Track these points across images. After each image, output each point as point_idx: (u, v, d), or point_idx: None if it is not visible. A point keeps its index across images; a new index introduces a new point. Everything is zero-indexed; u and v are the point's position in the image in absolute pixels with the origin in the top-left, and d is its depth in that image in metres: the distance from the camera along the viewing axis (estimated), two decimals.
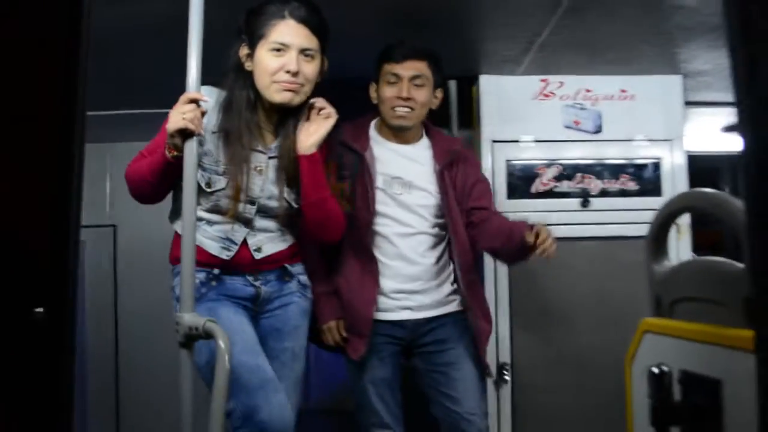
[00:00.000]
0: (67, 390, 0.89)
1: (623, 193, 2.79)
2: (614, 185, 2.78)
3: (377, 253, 2.14)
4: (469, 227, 2.20)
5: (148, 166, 1.74)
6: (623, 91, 2.75)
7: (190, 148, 1.67)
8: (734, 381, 1.05)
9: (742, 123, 0.84)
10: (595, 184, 2.79)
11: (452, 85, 2.76)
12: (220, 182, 1.82)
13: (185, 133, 1.64)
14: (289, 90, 1.83)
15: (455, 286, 2.21)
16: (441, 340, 2.18)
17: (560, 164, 2.79)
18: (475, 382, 2.18)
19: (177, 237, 1.86)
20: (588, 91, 2.76)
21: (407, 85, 2.13)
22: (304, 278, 2.00)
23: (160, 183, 1.76)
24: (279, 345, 1.93)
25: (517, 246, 1.96)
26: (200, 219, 1.84)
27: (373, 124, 2.24)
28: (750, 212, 0.82)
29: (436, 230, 2.19)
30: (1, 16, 0.98)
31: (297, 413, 1.95)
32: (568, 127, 2.75)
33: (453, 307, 2.20)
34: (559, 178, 2.78)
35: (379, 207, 2.15)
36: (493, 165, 2.76)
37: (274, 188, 1.86)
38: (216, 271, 1.86)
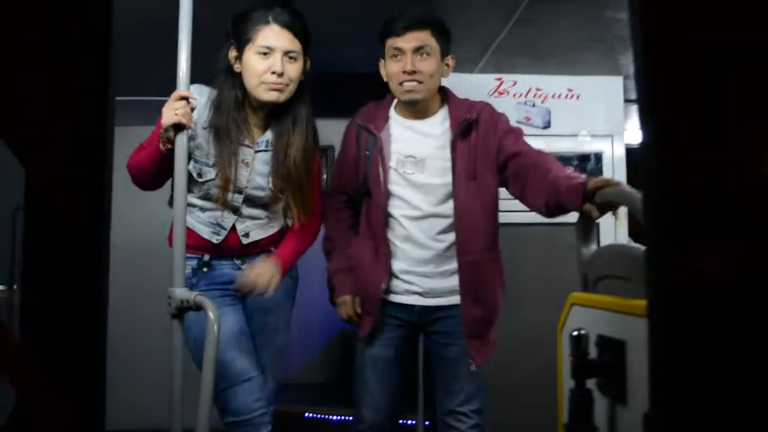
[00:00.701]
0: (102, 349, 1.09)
1: None
2: None
3: (389, 235, 2.10)
4: (510, 184, 2.05)
5: (146, 157, 1.91)
6: (570, 90, 3.03)
7: (181, 140, 1.84)
8: (635, 342, 1.30)
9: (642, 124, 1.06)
10: None
11: None
12: (210, 173, 1.98)
13: (177, 127, 1.81)
14: (276, 89, 1.98)
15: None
16: (448, 332, 2.12)
17: None
18: (475, 381, 2.10)
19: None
20: (538, 89, 3.03)
21: (411, 58, 2.04)
22: None
23: (157, 172, 1.92)
24: (262, 319, 2.10)
25: (566, 208, 1.83)
26: (193, 205, 2.01)
27: (393, 102, 2.17)
28: (646, 203, 1.05)
29: (447, 212, 2.08)
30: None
31: (278, 383, 2.16)
32: (519, 122, 3.01)
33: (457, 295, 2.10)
34: None
35: (392, 188, 2.09)
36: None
37: (260, 179, 2.03)
38: (206, 257, 2.03)
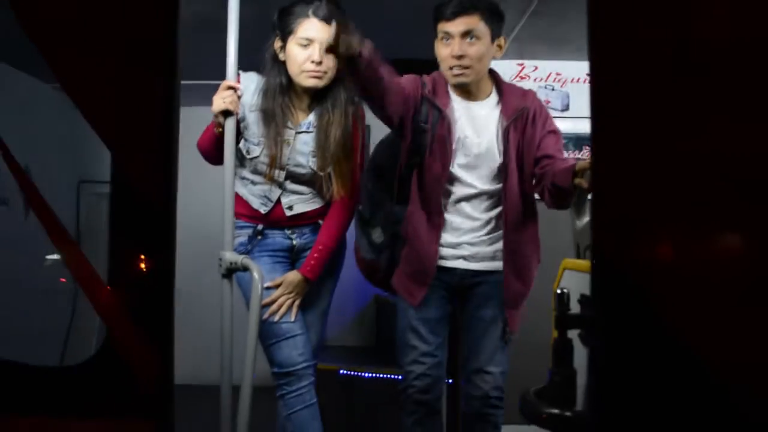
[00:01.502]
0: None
1: None
2: (578, 155, 3.26)
3: (443, 208, 2.15)
4: (536, 179, 2.15)
5: (207, 138, 2.17)
6: (588, 75, 3.19)
7: (230, 124, 2.12)
8: None
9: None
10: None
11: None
12: (256, 151, 2.21)
13: (226, 113, 2.07)
14: (315, 77, 2.15)
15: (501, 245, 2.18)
16: (483, 295, 2.20)
17: None
18: (499, 344, 2.17)
19: (236, 197, 2.21)
20: (558, 74, 3.21)
21: (459, 42, 2.06)
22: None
23: (215, 150, 2.14)
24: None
25: (560, 186, 1.98)
26: (246, 179, 2.26)
27: None
28: (594, 197, 1.27)
29: (496, 189, 2.16)
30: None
31: (321, 342, 2.38)
32: None
33: (500, 265, 2.18)
34: None
35: (458, 162, 2.13)
36: None
37: (300, 158, 2.22)
38: (260, 227, 2.24)
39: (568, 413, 1.35)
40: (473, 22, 2.05)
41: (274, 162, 2.21)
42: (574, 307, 1.60)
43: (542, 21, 2.60)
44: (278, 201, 2.26)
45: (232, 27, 2.11)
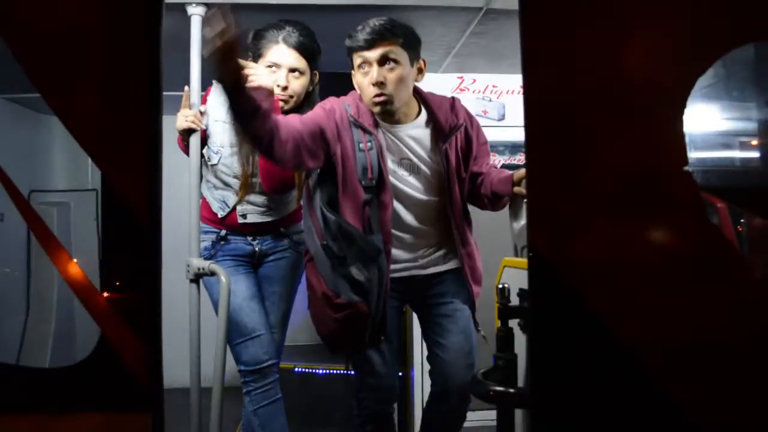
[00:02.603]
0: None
1: (520, 167, 3.52)
2: (513, 161, 3.53)
3: (392, 229, 2.14)
4: (472, 188, 2.25)
5: (181, 146, 2.33)
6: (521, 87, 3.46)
7: (194, 140, 2.28)
8: None
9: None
10: (498, 160, 3.54)
11: None
12: (215, 159, 2.36)
13: (189, 131, 2.25)
14: (281, 100, 2.27)
15: (453, 247, 2.24)
16: (440, 293, 2.25)
17: None
18: (467, 335, 2.22)
19: (203, 200, 2.37)
20: (494, 86, 3.47)
21: (378, 70, 2.04)
22: (297, 237, 2.46)
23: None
24: (270, 289, 2.45)
25: (500, 195, 2.15)
26: (209, 182, 2.40)
27: None
28: (528, 200, 1.50)
29: (439, 200, 2.20)
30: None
31: (283, 342, 2.51)
32: (478, 115, 3.40)
33: (451, 265, 2.25)
34: None
35: (393, 188, 2.14)
36: None
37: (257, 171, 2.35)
38: (223, 232, 2.40)
39: (511, 390, 1.57)
40: (389, 47, 2.04)
41: (247, 179, 2.34)
42: (514, 300, 1.82)
43: (482, 39, 2.83)
44: (234, 208, 2.38)
45: (194, 49, 2.26)
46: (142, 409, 1.45)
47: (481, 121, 3.49)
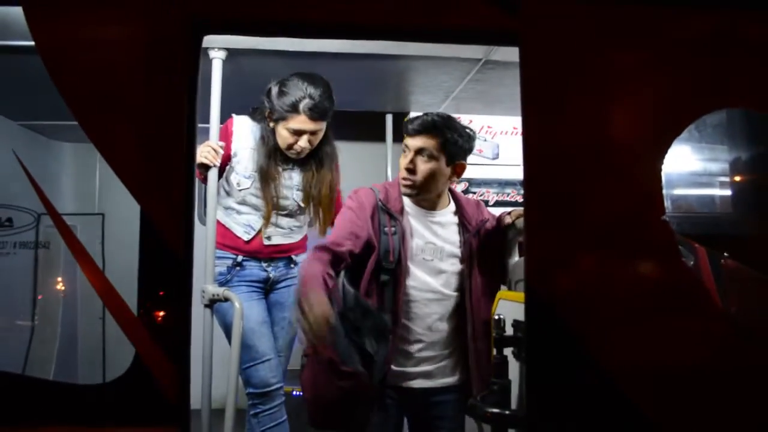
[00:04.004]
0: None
1: (512, 204, 3.71)
2: (505, 198, 3.72)
3: (404, 317, 2.21)
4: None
5: (200, 178, 2.45)
6: (515, 128, 3.67)
7: (211, 174, 2.45)
8: None
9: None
10: (492, 196, 3.73)
11: (389, 117, 3.63)
12: (247, 183, 2.51)
13: (206, 166, 2.41)
14: (296, 153, 2.51)
15: (464, 355, 2.24)
16: (440, 417, 2.28)
17: (467, 181, 3.73)
18: None
19: (219, 226, 2.50)
20: (489, 127, 3.66)
21: (412, 157, 2.22)
22: None
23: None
24: (280, 314, 2.60)
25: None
26: (231, 209, 2.54)
27: None
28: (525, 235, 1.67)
29: (457, 296, 2.25)
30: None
31: (287, 365, 2.64)
32: (474, 154, 3.62)
33: (457, 379, 2.26)
34: (465, 191, 3.70)
35: (413, 271, 2.21)
36: None
37: (287, 191, 2.53)
38: (239, 258, 2.54)
39: (506, 412, 1.73)
40: (429, 142, 2.20)
41: (271, 213, 2.50)
42: (509, 330, 1.98)
43: (479, 86, 3.02)
44: (259, 231, 2.53)
45: (215, 90, 2.43)
46: (170, 424, 1.59)
47: (476, 159, 3.75)
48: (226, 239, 2.54)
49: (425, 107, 3.52)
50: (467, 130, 2.30)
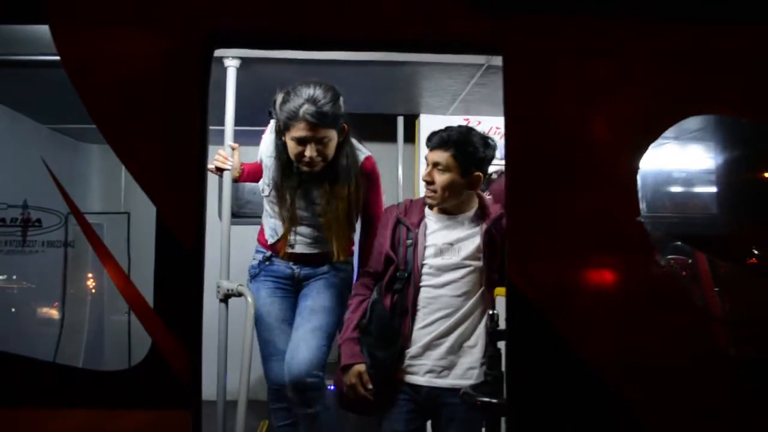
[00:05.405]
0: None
1: None
2: None
3: (424, 312, 2.34)
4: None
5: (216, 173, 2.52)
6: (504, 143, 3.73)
7: (227, 176, 2.58)
8: None
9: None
10: None
11: (400, 120, 3.76)
12: (267, 191, 2.55)
13: (220, 169, 2.53)
14: (307, 165, 2.40)
15: (479, 354, 2.31)
16: (450, 419, 2.33)
17: None
18: None
19: (261, 225, 2.63)
20: (497, 128, 3.74)
21: (430, 170, 2.38)
22: (337, 263, 2.56)
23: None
24: (302, 304, 2.53)
25: None
26: (265, 210, 2.62)
27: None
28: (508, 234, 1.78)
29: (473, 297, 2.35)
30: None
31: (322, 355, 2.44)
32: None
33: (471, 380, 2.27)
34: None
35: (427, 271, 2.35)
36: None
37: (306, 202, 2.51)
38: (269, 253, 2.60)
39: (494, 401, 1.84)
40: (443, 156, 2.35)
41: (290, 230, 2.52)
42: (503, 325, 2.09)
43: (484, 89, 3.13)
44: (283, 236, 2.54)
45: (230, 96, 2.57)
46: (184, 406, 1.74)
47: None
48: (261, 236, 2.63)
49: (434, 109, 3.65)
50: (488, 141, 2.44)
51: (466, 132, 2.42)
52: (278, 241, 2.57)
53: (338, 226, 2.46)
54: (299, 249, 2.59)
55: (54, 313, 4.10)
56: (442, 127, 2.47)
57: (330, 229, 2.47)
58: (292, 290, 2.62)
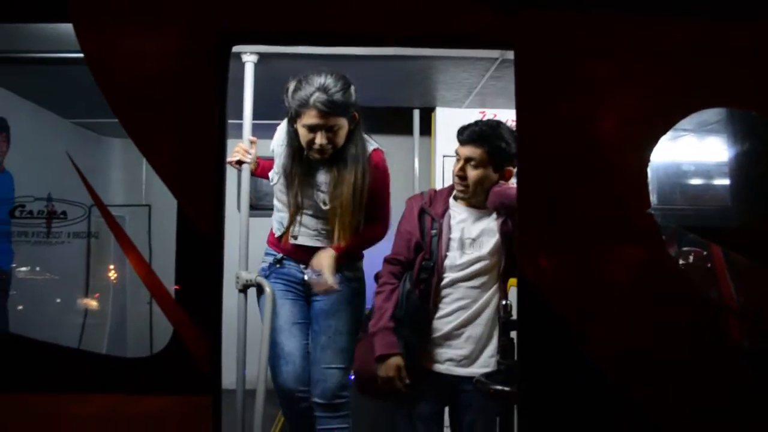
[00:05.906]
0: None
1: None
2: None
3: (445, 302, 2.39)
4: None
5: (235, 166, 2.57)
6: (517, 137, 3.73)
7: (245, 169, 2.63)
8: None
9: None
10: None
11: (416, 113, 3.78)
12: (275, 179, 2.57)
13: (240, 162, 2.58)
14: (318, 153, 2.43)
15: (496, 345, 2.30)
16: (467, 405, 2.39)
17: None
18: None
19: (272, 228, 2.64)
20: (512, 120, 3.76)
21: (462, 164, 2.41)
22: (348, 273, 2.54)
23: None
24: (325, 323, 2.51)
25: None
26: (274, 206, 2.63)
27: (453, 192, 2.52)
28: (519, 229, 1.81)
29: (493, 286, 2.40)
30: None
31: (347, 373, 2.50)
32: None
33: (489, 369, 2.28)
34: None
35: (450, 262, 2.39)
36: (443, 172, 3.78)
37: (311, 191, 2.51)
38: (279, 255, 2.58)
39: (507, 389, 1.87)
40: (476, 151, 2.39)
41: (295, 215, 2.54)
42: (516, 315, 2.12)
43: (499, 82, 3.15)
44: (288, 229, 2.57)
45: (248, 90, 2.62)
46: (204, 392, 1.79)
47: None
48: (270, 236, 2.63)
49: (450, 102, 3.67)
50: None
51: (498, 126, 2.45)
52: (284, 233, 2.58)
53: (343, 212, 2.45)
54: (303, 241, 2.56)
55: (80, 302, 4.19)
56: (472, 121, 2.52)
57: (335, 215, 2.47)
58: (303, 294, 2.60)
